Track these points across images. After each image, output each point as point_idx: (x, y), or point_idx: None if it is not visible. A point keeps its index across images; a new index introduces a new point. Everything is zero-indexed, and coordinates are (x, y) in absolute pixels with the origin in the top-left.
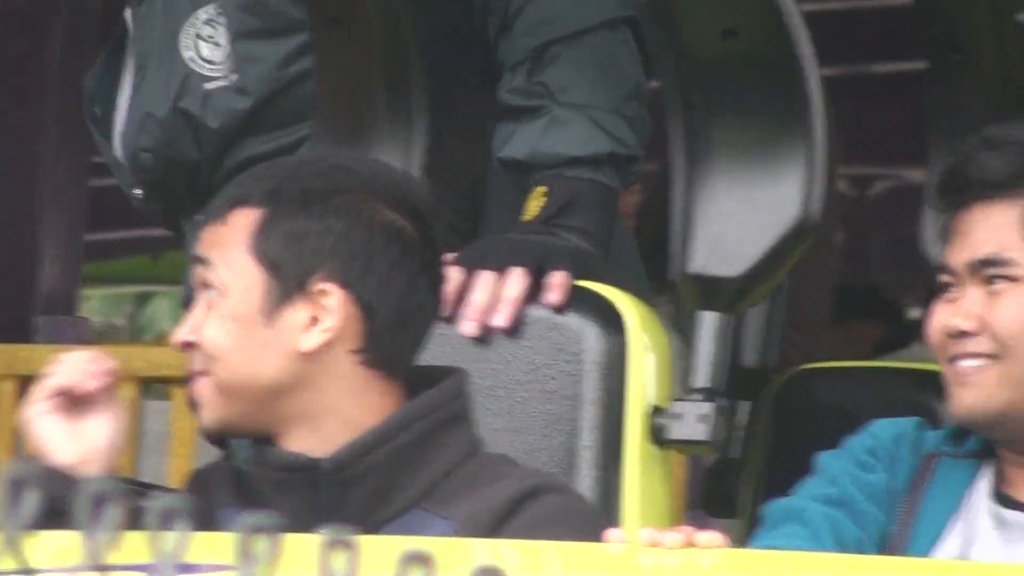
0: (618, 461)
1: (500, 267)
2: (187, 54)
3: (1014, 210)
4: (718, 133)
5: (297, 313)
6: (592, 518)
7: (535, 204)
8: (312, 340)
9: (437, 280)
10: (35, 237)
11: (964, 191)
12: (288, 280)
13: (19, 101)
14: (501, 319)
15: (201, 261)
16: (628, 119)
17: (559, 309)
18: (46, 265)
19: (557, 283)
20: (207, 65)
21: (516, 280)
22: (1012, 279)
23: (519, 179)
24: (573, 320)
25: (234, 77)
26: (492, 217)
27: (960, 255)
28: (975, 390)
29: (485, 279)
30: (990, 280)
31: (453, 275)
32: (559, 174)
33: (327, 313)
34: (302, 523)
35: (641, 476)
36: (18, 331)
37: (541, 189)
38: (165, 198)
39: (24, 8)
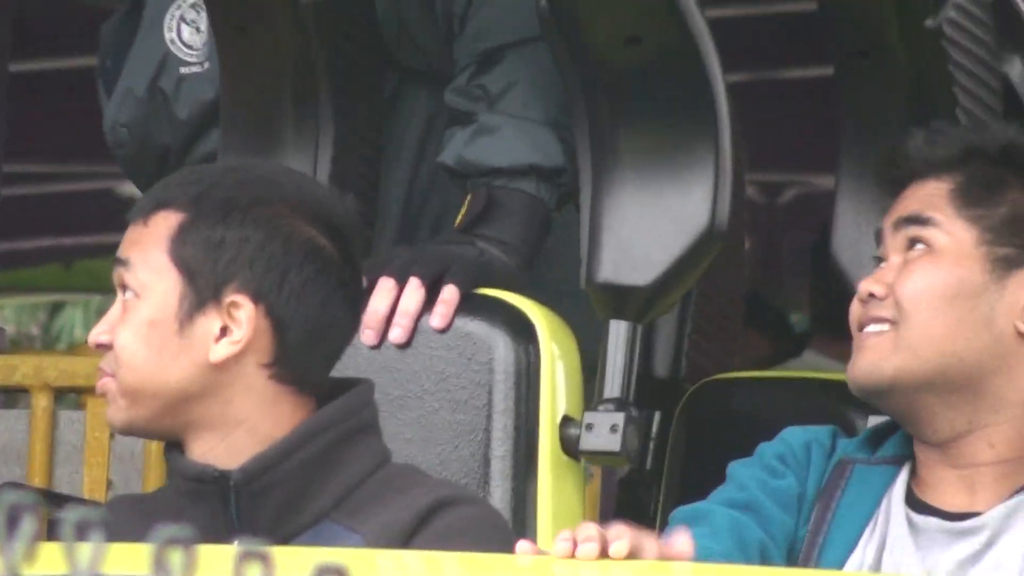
0: (531, 472)
1: (400, 276)
2: (168, 35)
3: (946, 184)
4: (624, 141)
5: (209, 322)
6: (503, 530)
7: (462, 212)
8: (221, 351)
9: (354, 298)
10: None
11: (904, 170)
12: (203, 288)
13: None
14: (396, 332)
15: (120, 262)
16: (560, 133)
17: (444, 328)
18: None
19: (445, 299)
20: (185, 49)
21: (411, 292)
22: (929, 246)
23: (459, 186)
24: (483, 329)
25: (207, 65)
26: (425, 226)
27: (889, 218)
28: (870, 353)
29: (384, 287)
30: (910, 245)
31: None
32: (483, 183)
33: (238, 325)
34: (214, 534)
35: (553, 487)
36: None
37: (468, 197)
38: (138, 177)
39: None
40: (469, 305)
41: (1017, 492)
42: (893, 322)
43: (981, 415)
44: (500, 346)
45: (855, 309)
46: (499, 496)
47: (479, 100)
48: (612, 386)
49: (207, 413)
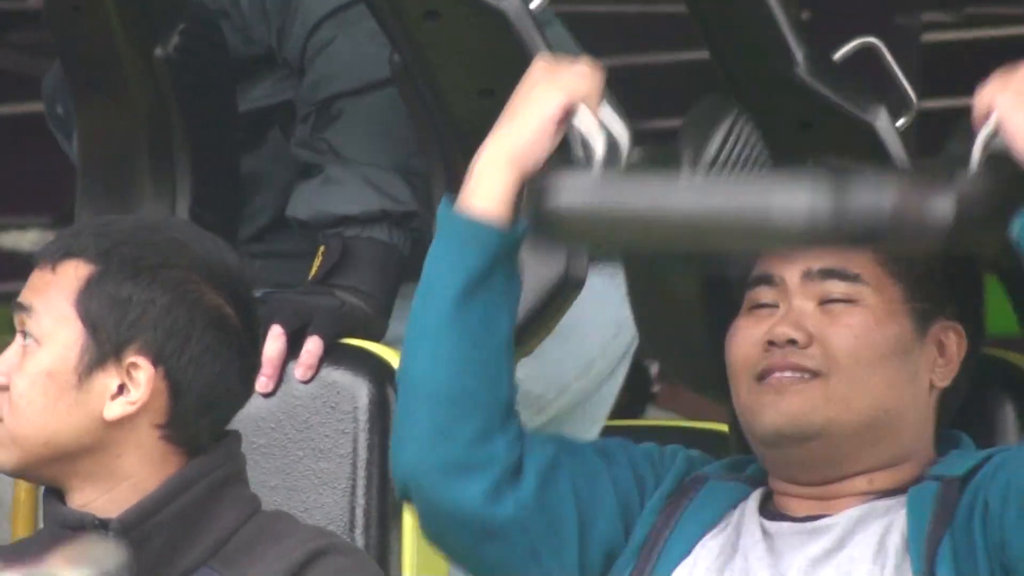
0: (395, 520)
1: (263, 325)
2: None
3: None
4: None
5: (108, 379)
6: None
7: (316, 263)
8: (116, 410)
9: (251, 369)
10: None
11: None
12: (104, 344)
13: None
14: (261, 382)
15: (22, 307)
16: (407, 176)
17: (308, 380)
18: None
19: (309, 349)
20: None
21: (272, 340)
22: (856, 302)
23: (310, 237)
24: (347, 379)
25: None
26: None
27: (793, 266)
28: (799, 399)
29: None
30: (826, 296)
31: None
32: (336, 233)
33: (136, 386)
34: None
35: (417, 535)
36: None
37: (320, 248)
38: None
39: None
40: (332, 355)
41: (868, 500)
42: (818, 373)
43: (885, 460)
44: (364, 395)
45: (754, 352)
46: (363, 544)
47: (324, 152)
48: None
49: (95, 466)
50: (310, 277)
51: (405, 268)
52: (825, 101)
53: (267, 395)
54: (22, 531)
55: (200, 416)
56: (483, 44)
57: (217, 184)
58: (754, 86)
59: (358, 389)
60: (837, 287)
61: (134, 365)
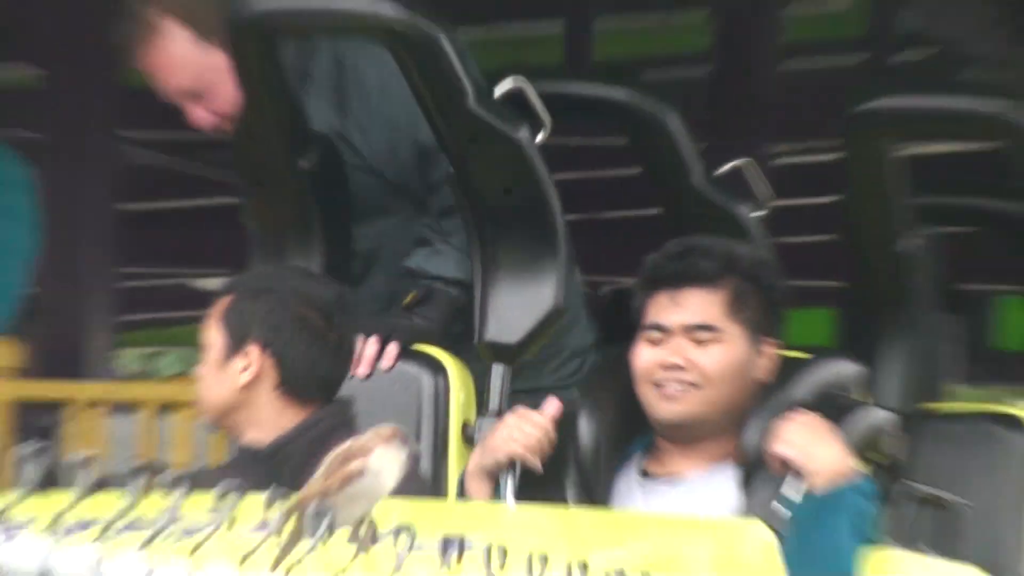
0: (444, 456)
1: (367, 335)
2: None
3: (718, 295)
4: (501, 252)
5: (238, 361)
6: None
7: (408, 298)
8: (244, 379)
9: (337, 348)
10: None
11: (678, 280)
12: (233, 341)
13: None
14: (360, 370)
15: (203, 329)
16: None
17: (389, 369)
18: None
19: (388, 352)
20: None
21: (370, 344)
22: (717, 343)
23: (411, 283)
24: (414, 369)
25: None
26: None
27: (677, 319)
28: (682, 404)
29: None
30: (696, 338)
31: None
32: (427, 284)
33: (252, 363)
34: (256, 489)
35: (457, 464)
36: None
37: (414, 291)
38: None
39: None
40: (406, 355)
41: (717, 462)
42: (695, 385)
43: (726, 430)
44: (425, 379)
45: (651, 368)
46: (425, 470)
47: (437, 234)
48: (493, 403)
49: (246, 416)
50: (403, 305)
51: (458, 312)
52: (720, 207)
53: (364, 379)
54: (215, 461)
55: (300, 380)
56: (505, 158)
57: (335, 248)
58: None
59: (421, 376)
60: (702, 334)
61: (250, 351)
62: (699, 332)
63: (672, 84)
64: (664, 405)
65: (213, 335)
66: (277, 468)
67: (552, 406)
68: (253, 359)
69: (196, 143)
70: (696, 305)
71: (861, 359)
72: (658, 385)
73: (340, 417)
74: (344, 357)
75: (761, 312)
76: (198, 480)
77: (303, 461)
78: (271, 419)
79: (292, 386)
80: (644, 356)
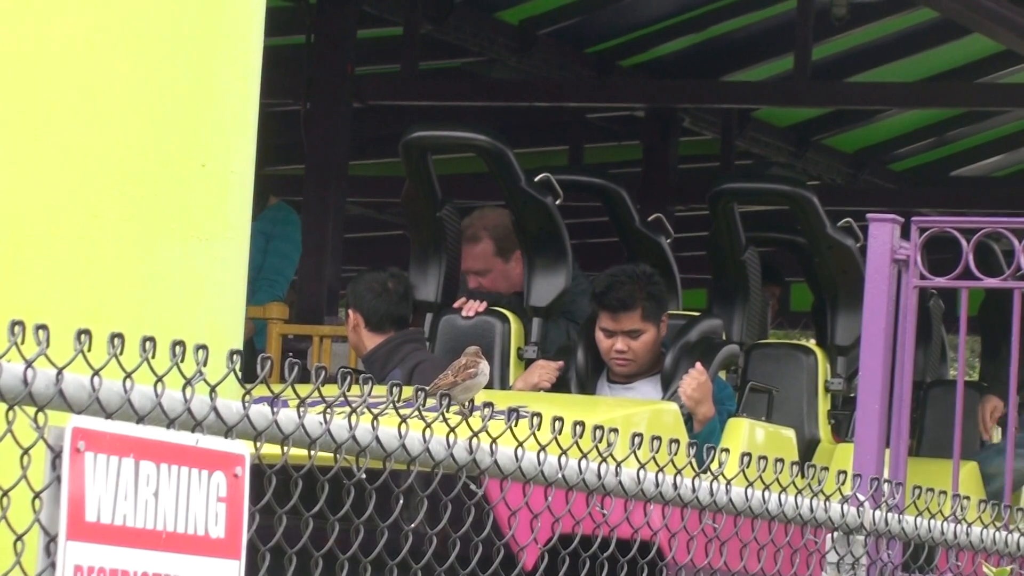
0: (507, 365)
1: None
2: None
3: (637, 312)
4: (538, 259)
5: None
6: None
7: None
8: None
9: (402, 299)
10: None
11: (615, 309)
12: (348, 310)
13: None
14: (467, 312)
15: None
16: None
17: (472, 317)
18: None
19: (475, 307)
20: None
21: (471, 305)
22: (640, 333)
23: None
24: (493, 319)
25: None
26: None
27: (617, 327)
28: (626, 368)
29: (467, 304)
30: (631, 336)
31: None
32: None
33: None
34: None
35: (515, 370)
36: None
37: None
38: None
39: None
40: (488, 312)
41: (650, 375)
42: (633, 360)
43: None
44: (498, 325)
45: (608, 350)
46: (488, 375)
47: None
48: (531, 338)
49: (359, 347)
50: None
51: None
52: (650, 239)
53: (468, 322)
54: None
55: (374, 323)
56: (540, 212)
57: (452, 266)
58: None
59: (496, 323)
60: (634, 334)
61: (350, 313)
62: (631, 333)
63: (624, 176)
64: (617, 368)
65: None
66: (372, 366)
67: (558, 363)
68: (353, 318)
69: (385, 204)
70: (627, 321)
71: (724, 318)
72: (612, 358)
73: (405, 338)
74: (401, 303)
75: (658, 306)
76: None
77: (382, 365)
78: (367, 344)
79: (375, 327)
80: (603, 342)
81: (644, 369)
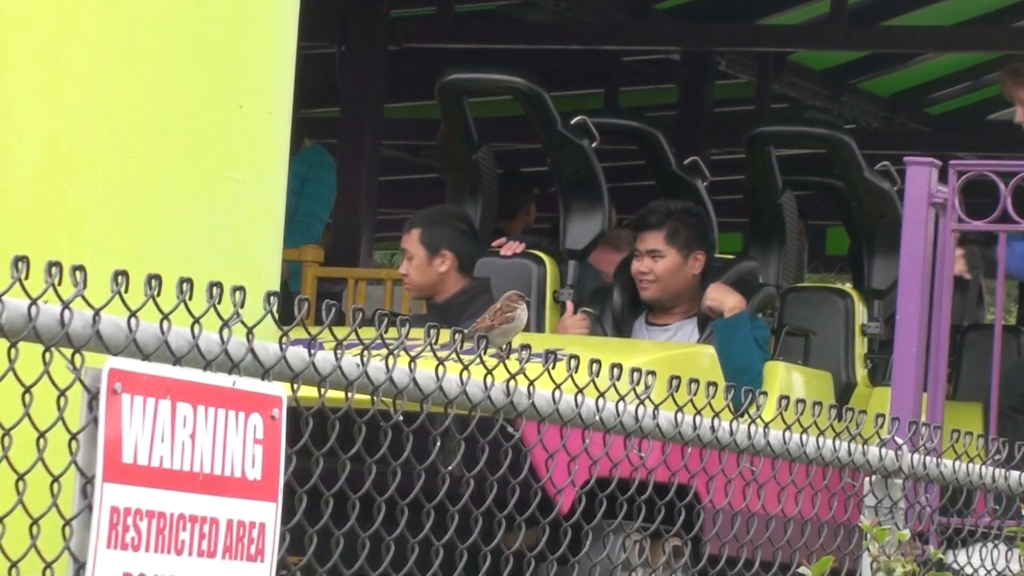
0: (543, 310)
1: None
2: None
3: (660, 233)
4: (574, 203)
5: (437, 261)
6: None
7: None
8: (443, 269)
9: (473, 239)
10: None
11: (640, 227)
12: (432, 250)
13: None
14: (508, 252)
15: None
16: None
17: (511, 256)
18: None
19: (515, 247)
20: None
21: (511, 245)
22: (661, 256)
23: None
24: (529, 262)
25: None
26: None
27: (642, 247)
28: (648, 291)
29: (508, 244)
30: (652, 256)
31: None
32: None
33: (445, 259)
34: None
35: (551, 313)
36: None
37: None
38: None
39: None
40: (525, 255)
41: (686, 317)
42: (654, 281)
43: (687, 299)
44: (534, 268)
45: (636, 271)
46: (526, 318)
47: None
48: (567, 281)
49: (439, 288)
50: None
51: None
52: (685, 182)
53: (507, 261)
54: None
55: (467, 264)
56: (576, 155)
57: (488, 209)
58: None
59: (532, 265)
60: (655, 254)
61: (445, 254)
62: (653, 253)
63: (660, 119)
64: (643, 292)
65: (415, 248)
66: (448, 313)
67: (583, 317)
68: (447, 258)
69: (420, 147)
70: (650, 239)
71: (760, 261)
72: (639, 281)
73: (480, 287)
74: (477, 247)
75: (689, 236)
76: (414, 321)
77: (462, 309)
78: (451, 288)
79: (466, 270)
80: (633, 266)
81: (675, 301)
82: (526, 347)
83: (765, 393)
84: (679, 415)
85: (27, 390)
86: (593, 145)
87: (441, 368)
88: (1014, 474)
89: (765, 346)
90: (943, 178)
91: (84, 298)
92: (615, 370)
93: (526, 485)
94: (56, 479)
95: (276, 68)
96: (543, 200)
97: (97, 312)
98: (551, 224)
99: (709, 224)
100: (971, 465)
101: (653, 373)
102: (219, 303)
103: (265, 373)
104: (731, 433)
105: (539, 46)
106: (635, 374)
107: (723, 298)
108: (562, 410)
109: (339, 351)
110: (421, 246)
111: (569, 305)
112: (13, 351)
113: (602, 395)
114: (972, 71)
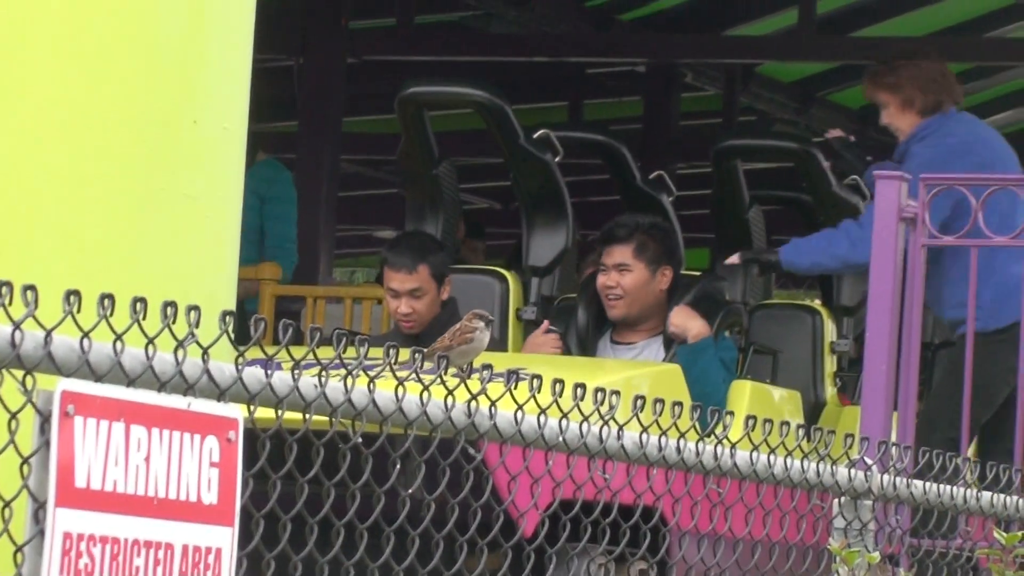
0: (506, 325)
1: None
2: None
3: (628, 247)
4: (537, 219)
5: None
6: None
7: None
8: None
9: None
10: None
11: (607, 241)
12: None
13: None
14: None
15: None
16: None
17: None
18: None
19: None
20: None
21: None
22: (628, 270)
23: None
24: (490, 279)
25: None
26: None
27: (609, 260)
28: (615, 309)
29: None
30: (619, 270)
31: None
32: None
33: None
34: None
35: (513, 331)
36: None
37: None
38: None
39: None
40: (486, 272)
41: (652, 336)
42: (621, 296)
43: (653, 316)
44: (496, 285)
45: (602, 286)
46: (487, 340)
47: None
48: (530, 299)
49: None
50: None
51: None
52: (650, 196)
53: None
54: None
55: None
56: (539, 170)
57: (447, 218)
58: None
59: (495, 283)
60: (622, 268)
61: (448, 280)
62: (620, 268)
63: (625, 132)
64: (608, 309)
65: (428, 284)
66: (426, 340)
67: (554, 336)
68: (448, 283)
69: (380, 161)
70: (618, 253)
71: (728, 277)
72: (606, 297)
73: (453, 307)
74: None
75: (657, 252)
76: (373, 341)
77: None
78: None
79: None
80: (599, 280)
81: (641, 318)
82: (488, 367)
83: (732, 413)
84: (644, 436)
85: None
86: (556, 159)
87: (401, 388)
88: (986, 495)
89: (732, 367)
90: (913, 192)
91: (35, 318)
92: (579, 390)
93: (488, 508)
94: (7, 504)
95: (232, 82)
96: (506, 216)
97: (49, 333)
98: (515, 240)
99: (676, 239)
100: (942, 486)
101: (617, 393)
102: (173, 323)
103: (221, 395)
104: (697, 454)
105: (502, 58)
106: (599, 394)
107: (686, 324)
108: (525, 431)
109: (297, 372)
110: (433, 281)
111: (544, 324)
112: None
113: (565, 415)
114: None
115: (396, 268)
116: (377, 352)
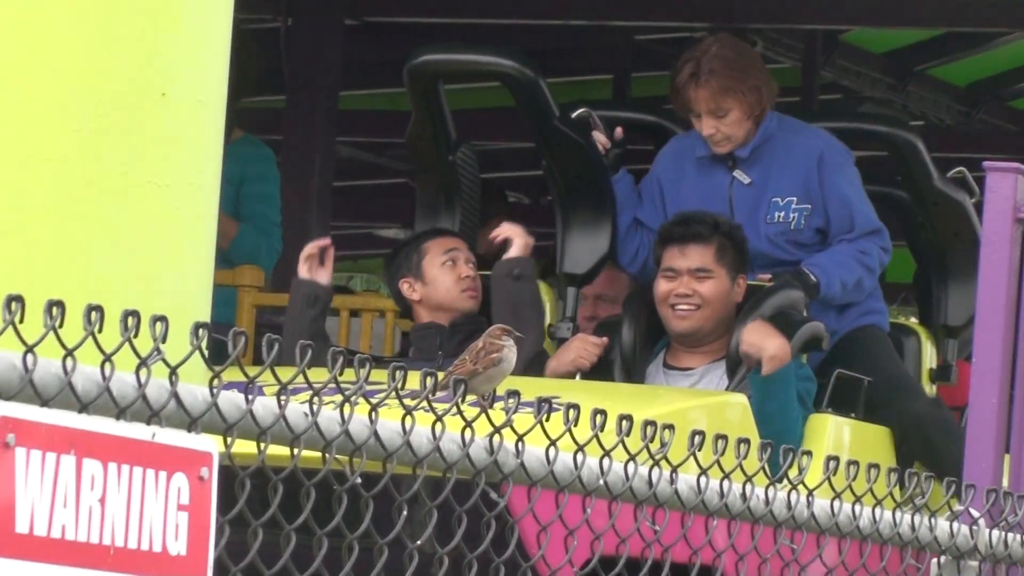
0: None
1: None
2: None
3: (710, 248)
4: (574, 215)
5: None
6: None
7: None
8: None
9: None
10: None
11: (684, 239)
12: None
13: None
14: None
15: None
16: None
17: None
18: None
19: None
20: None
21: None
22: (709, 276)
23: None
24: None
25: None
26: None
27: (684, 264)
28: (688, 321)
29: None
30: (698, 276)
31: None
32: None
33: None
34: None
35: (547, 349)
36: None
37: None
38: None
39: None
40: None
41: (714, 360)
42: (699, 307)
43: (719, 335)
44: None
45: (666, 295)
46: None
47: None
48: (567, 313)
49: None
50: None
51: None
52: None
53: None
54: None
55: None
56: (576, 155)
57: (466, 210)
58: None
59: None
60: (701, 274)
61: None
62: (699, 273)
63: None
64: (677, 322)
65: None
66: (451, 338)
67: (601, 339)
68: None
69: (384, 145)
70: (697, 255)
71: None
72: (673, 307)
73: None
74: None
75: (736, 258)
76: (377, 361)
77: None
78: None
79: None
80: (662, 288)
81: (710, 336)
82: (514, 393)
83: (809, 453)
84: (702, 479)
85: None
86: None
87: (409, 419)
88: None
89: (809, 402)
90: None
91: None
92: (624, 423)
93: (513, 565)
94: None
95: (208, 48)
96: (537, 212)
97: None
98: (550, 244)
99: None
100: None
101: (671, 427)
102: (135, 336)
103: (192, 423)
104: (767, 502)
105: (533, 20)
106: (648, 428)
107: (763, 343)
108: (558, 472)
109: (283, 397)
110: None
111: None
112: None
113: (607, 453)
114: None
115: None
116: (381, 375)
